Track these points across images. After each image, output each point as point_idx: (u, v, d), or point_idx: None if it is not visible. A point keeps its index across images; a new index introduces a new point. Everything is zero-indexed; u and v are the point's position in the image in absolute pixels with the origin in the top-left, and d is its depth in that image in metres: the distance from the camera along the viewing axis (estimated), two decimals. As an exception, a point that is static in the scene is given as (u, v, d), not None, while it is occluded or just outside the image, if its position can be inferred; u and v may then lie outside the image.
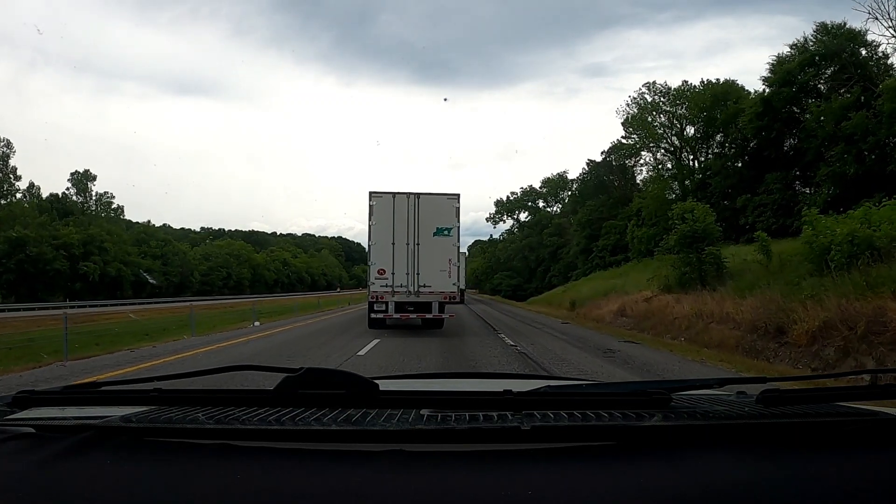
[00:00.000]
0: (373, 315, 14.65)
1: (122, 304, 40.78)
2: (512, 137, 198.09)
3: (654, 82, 40.80)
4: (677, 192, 37.08)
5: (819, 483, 0.71)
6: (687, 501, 0.67)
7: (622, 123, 42.15)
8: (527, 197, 68.66)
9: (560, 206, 64.72)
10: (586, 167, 51.05)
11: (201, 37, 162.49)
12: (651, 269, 22.04)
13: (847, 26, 26.04)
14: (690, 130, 39.34)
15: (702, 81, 38.35)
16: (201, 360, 10.05)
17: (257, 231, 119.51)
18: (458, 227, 14.61)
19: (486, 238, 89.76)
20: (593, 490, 0.68)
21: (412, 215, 14.43)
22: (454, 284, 14.62)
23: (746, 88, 34.96)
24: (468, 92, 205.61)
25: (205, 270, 70.77)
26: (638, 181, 45.05)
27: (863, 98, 23.17)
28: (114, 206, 66.28)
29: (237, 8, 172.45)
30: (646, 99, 40.75)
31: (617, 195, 44.62)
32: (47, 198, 58.59)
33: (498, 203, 70.01)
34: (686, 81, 39.38)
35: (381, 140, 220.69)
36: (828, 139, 23.57)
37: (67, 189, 62.19)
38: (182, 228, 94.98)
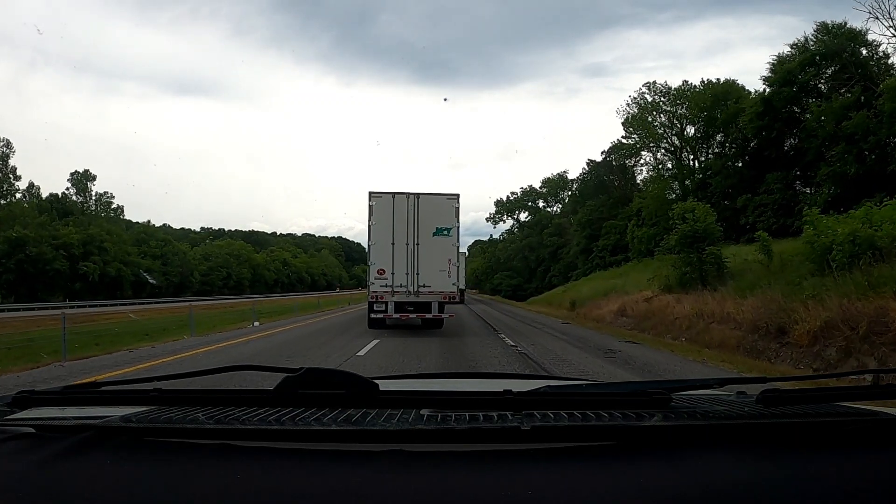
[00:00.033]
0: (372, 315, 14.66)
1: (121, 305, 40.78)
2: (512, 137, 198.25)
3: (655, 82, 40.86)
4: (677, 192, 37.08)
5: (819, 483, 0.71)
6: (687, 501, 0.67)
7: (622, 123, 42.22)
8: (527, 197, 68.69)
9: (560, 206, 64.77)
10: (586, 167, 51.14)
11: (201, 37, 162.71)
12: (651, 269, 22.04)
13: (848, 26, 26.08)
14: (691, 130, 39.38)
15: (702, 81, 38.41)
16: (201, 360, 10.05)
17: (257, 231, 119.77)
18: (458, 228, 14.64)
19: (486, 238, 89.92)
20: (593, 490, 0.68)
21: (412, 215, 14.44)
22: (454, 284, 14.63)
23: (747, 88, 35.03)
24: (468, 92, 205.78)
25: (205, 270, 70.78)
26: (638, 181, 45.13)
27: (863, 98, 23.16)
28: (114, 206, 66.40)
29: (237, 8, 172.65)
30: (646, 99, 40.80)
31: (617, 195, 44.62)
32: (47, 198, 58.62)
33: (498, 203, 70.11)
34: (686, 81, 39.45)
35: (381, 140, 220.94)
36: (828, 139, 23.57)
37: (67, 189, 62.32)
38: (182, 228, 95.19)
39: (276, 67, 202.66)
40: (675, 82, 40.70)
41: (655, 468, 0.72)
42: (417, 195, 14.60)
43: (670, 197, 35.68)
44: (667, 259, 19.87)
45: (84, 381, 2.85)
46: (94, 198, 64.48)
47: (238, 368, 1.10)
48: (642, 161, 43.98)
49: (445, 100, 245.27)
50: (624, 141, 43.55)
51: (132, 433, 0.80)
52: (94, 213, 62.41)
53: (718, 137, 36.49)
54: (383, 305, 14.45)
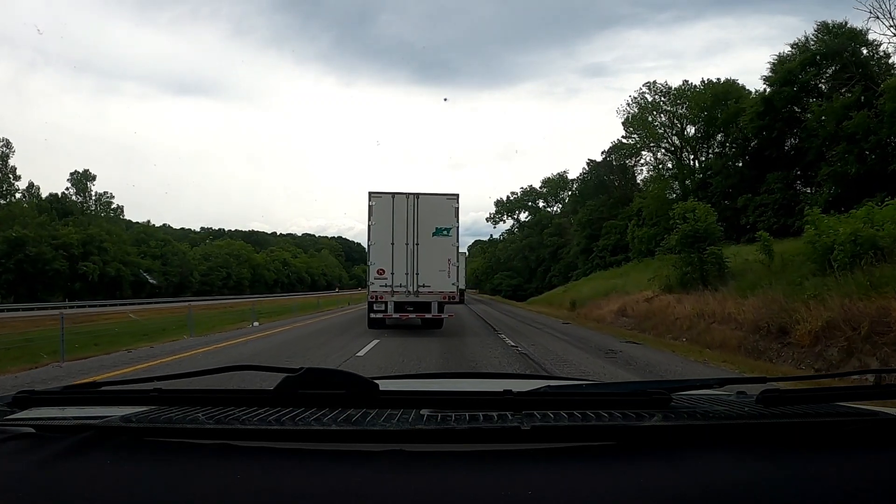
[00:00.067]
0: (372, 315, 14.68)
1: (121, 305, 40.77)
2: (512, 137, 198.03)
3: (655, 82, 40.85)
4: (678, 191, 37.07)
5: (819, 483, 0.71)
6: (687, 501, 0.67)
7: (622, 123, 42.23)
8: (527, 197, 68.69)
9: (560, 206, 64.77)
10: (586, 167, 51.14)
11: (201, 37, 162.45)
12: (652, 269, 22.04)
13: (848, 25, 26.10)
14: (691, 130, 39.38)
15: (702, 81, 38.40)
16: (200, 360, 10.05)
17: (257, 231, 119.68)
18: (458, 228, 14.67)
19: (486, 238, 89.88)
20: (593, 490, 0.68)
21: (411, 215, 14.45)
22: (453, 284, 14.65)
23: (747, 88, 35.04)
24: (468, 92, 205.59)
25: (204, 270, 70.79)
26: (638, 181, 45.14)
27: (864, 98, 23.15)
28: (113, 205, 66.34)
29: (237, 8, 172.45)
30: (646, 98, 40.81)
31: (617, 195, 44.61)
32: (47, 198, 58.60)
33: (498, 203, 70.09)
34: (686, 81, 39.44)
35: (381, 140, 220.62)
36: (829, 139, 23.56)
37: (67, 189, 62.26)
38: (182, 228, 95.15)
39: (276, 67, 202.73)
40: (675, 82, 40.72)
41: (655, 468, 0.72)
42: (417, 195, 14.61)
43: (671, 197, 35.67)
44: (667, 259, 19.87)
45: (84, 381, 2.86)
46: (93, 198, 64.51)
47: (238, 368, 1.10)
48: (642, 161, 44.07)
49: (445, 100, 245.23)
50: (624, 141, 43.61)
51: (132, 433, 0.80)
52: (93, 213, 62.39)
53: (719, 137, 36.49)
54: (383, 305, 14.46)
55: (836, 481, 0.71)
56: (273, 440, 0.77)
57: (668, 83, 40.16)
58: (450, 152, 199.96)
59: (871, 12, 24.59)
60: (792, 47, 28.38)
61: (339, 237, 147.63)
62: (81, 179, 62.98)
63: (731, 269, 17.34)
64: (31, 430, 0.83)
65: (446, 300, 14.74)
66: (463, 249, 28.75)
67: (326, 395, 0.86)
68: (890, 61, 25.40)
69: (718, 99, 35.82)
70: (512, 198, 69.34)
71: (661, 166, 41.76)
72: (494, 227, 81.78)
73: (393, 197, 14.53)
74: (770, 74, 28.44)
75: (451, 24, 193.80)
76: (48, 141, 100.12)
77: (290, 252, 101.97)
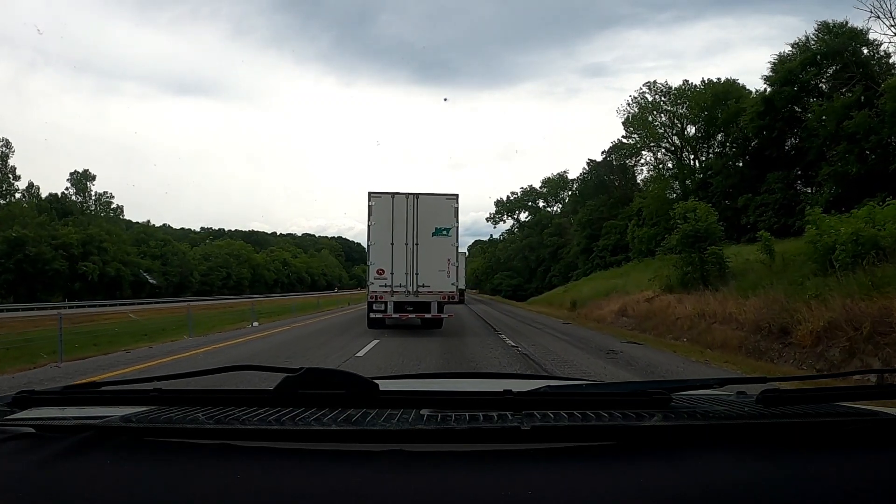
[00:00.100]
0: (372, 315, 14.70)
1: (121, 305, 40.78)
2: (512, 137, 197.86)
3: (655, 82, 40.85)
4: (678, 191, 37.08)
5: (819, 483, 0.71)
6: (687, 501, 0.67)
7: (623, 123, 42.23)
8: (527, 197, 68.68)
9: (560, 205, 64.76)
10: (587, 167, 51.14)
11: (201, 37, 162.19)
12: (652, 269, 22.02)
13: (849, 25, 26.07)
14: (691, 130, 39.37)
15: (702, 81, 38.38)
16: (199, 361, 10.04)
17: (257, 231, 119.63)
18: (457, 228, 14.69)
19: (486, 238, 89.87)
20: (593, 490, 0.68)
21: (411, 215, 14.46)
22: (453, 284, 14.66)
23: (747, 88, 35.04)
24: (468, 92, 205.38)
25: (204, 270, 70.80)
26: (638, 181, 45.13)
27: (864, 97, 23.14)
28: (113, 205, 66.36)
29: (237, 8, 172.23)
30: (646, 98, 40.80)
31: (617, 195, 44.61)
32: (46, 198, 58.60)
33: (498, 203, 70.07)
34: (687, 81, 39.43)
35: (381, 140, 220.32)
36: (830, 138, 23.54)
37: (67, 189, 62.29)
38: (182, 228, 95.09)
39: (276, 67, 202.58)
40: (675, 82, 40.59)
41: (655, 468, 0.72)
42: (417, 195, 14.62)
43: (671, 197, 35.66)
44: (668, 259, 19.85)
45: (84, 381, 2.86)
46: (93, 198, 64.51)
47: (238, 368, 1.10)
48: (643, 161, 44.06)
49: (445, 100, 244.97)
50: (624, 141, 43.60)
51: (132, 433, 0.80)
52: (93, 213, 62.39)
53: (719, 137, 36.48)
54: (382, 305, 14.48)
55: (836, 481, 0.71)
56: (273, 440, 0.77)
57: (669, 83, 40.22)
58: (450, 152, 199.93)
59: (871, 12, 24.61)
60: (792, 47, 28.40)
61: (339, 237, 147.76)
62: (81, 179, 63.01)
63: (732, 269, 17.33)
64: (31, 430, 0.83)
65: (446, 300, 14.76)
66: (463, 249, 28.78)
67: (326, 395, 0.86)
68: (890, 61, 25.41)
69: (719, 99, 35.81)
70: (512, 198, 69.40)
71: (661, 166, 41.81)
72: (494, 227, 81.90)
73: (392, 197, 14.54)
74: (770, 74, 28.45)
75: (451, 24, 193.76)
76: (48, 141, 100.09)
77: (290, 252, 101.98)
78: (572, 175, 60.97)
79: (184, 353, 10.92)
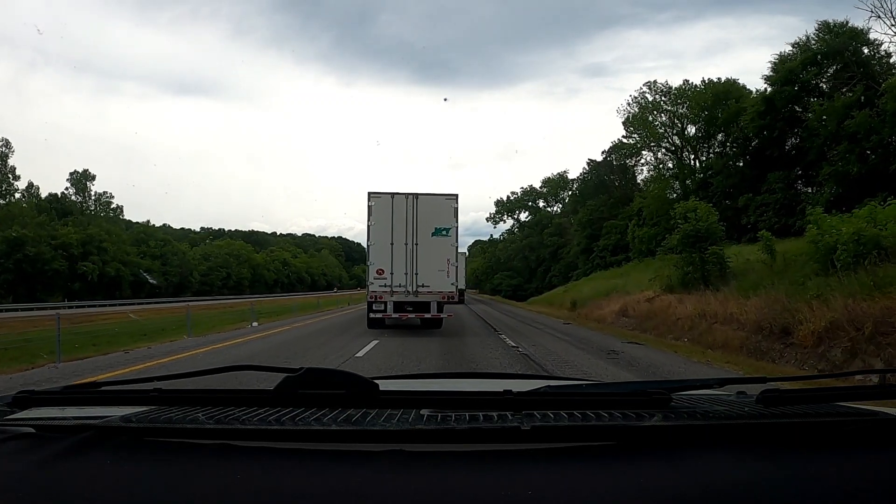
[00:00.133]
0: (372, 315, 14.71)
1: (120, 305, 40.79)
2: (512, 137, 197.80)
3: (655, 81, 40.82)
4: (678, 191, 37.07)
5: (819, 483, 0.71)
6: (687, 501, 0.67)
7: (623, 123, 42.21)
8: (527, 197, 68.67)
9: (560, 205, 64.75)
10: (587, 167, 51.12)
11: (201, 37, 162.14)
12: (653, 269, 22.02)
13: (849, 25, 26.07)
14: (691, 130, 39.34)
15: (703, 81, 38.36)
16: (199, 361, 10.03)
17: (257, 231, 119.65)
18: (457, 228, 14.71)
19: (486, 238, 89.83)
20: (593, 490, 0.68)
21: (411, 215, 14.47)
22: (452, 284, 14.67)
23: (748, 88, 35.02)
24: (468, 92, 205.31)
25: (204, 270, 70.81)
26: (639, 181, 45.10)
27: (863, 98, 23.13)
28: (113, 205, 66.30)
29: (237, 8, 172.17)
30: (647, 98, 40.78)
31: (618, 195, 44.59)
32: (46, 197, 58.56)
33: (498, 203, 70.07)
34: (687, 81, 39.40)
35: (381, 140, 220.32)
36: (830, 138, 23.53)
37: (66, 189, 62.25)
38: (182, 228, 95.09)
39: (276, 67, 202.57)
40: (675, 82, 40.55)
41: (655, 468, 0.72)
42: (416, 195, 14.62)
43: (671, 197, 35.65)
44: (668, 259, 19.84)
45: (84, 381, 2.86)
46: (93, 198, 64.45)
47: (238, 368, 1.10)
48: (643, 161, 44.01)
49: (445, 100, 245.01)
50: (624, 140, 43.58)
51: (132, 433, 0.80)
52: (93, 213, 62.36)
53: (719, 137, 36.46)
54: (382, 305, 14.49)
55: (836, 481, 0.71)
56: (273, 440, 0.77)
57: (669, 83, 40.19)
58: (450, 152, 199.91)
59: (872, 11, 24.58)
60: (793, 47, 28.38)
61: (339, 237, 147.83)
62: (81, 179, 62.99)
63: (733, 269, 17.31)
64: (31, 430, 0.83)
65: (445, 300, 14.77)
66: (463, 249, 28.77)
67: (326, 395, 0.86)
68: (891, 61, 25.38)
69: (719, 98, 35.80)
70: (512, 198, 69.40)
71: (661, 166, 41.77)
72: (494, 227, 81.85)
73: (392, 197, 14.54)
74: (771, 74, 28.42)
75: (451, 24, 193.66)
76: (48, 141, 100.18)
77: (290, 252, 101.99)
78: (572, 175, 61.05)
79: (183, 354, 10.91)
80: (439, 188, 49.37)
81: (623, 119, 41.94)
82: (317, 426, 0.78)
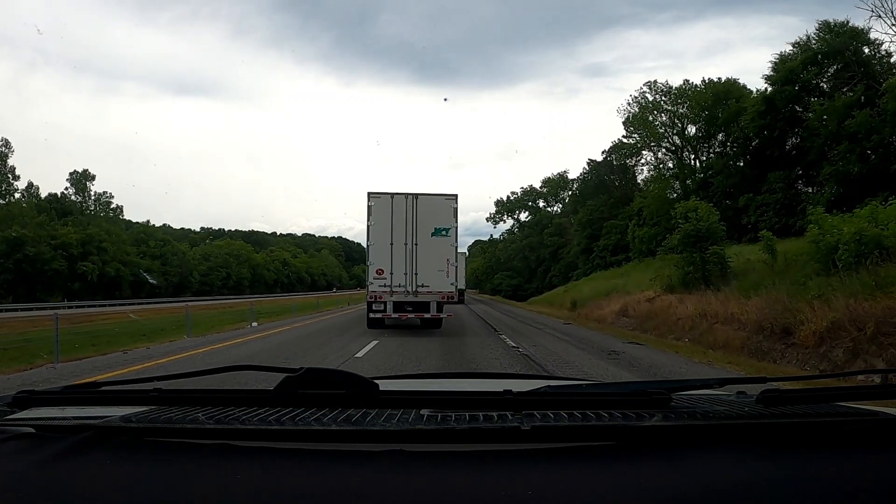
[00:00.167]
0: (371, 315, 14.72)
1: (120, 305, 40.78)
2: (512, 137, 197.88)
3: (655, 81, 40.81)
4: (679, 191, 37.07)
5: (819, 483, 0.71)
6: (687, 501, 0.67)
7: (623, 123, 42.20)
8: (527, 197, 68.68)
9: (560, 205, 64.75)
10: (587, 167, 51.13)
11: (201, 37, 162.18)
12: (653, 269, 22.00)
13: (850, 24, 26.06)
14: (692, 129, 39.33)
15: (703, 80, 38.35)
16: (198, 361, 10.02)
17: (257, 231, 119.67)
18: (456, 228, 14.72)
19: (486, 238, 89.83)
20: (593, 490, 0.68)
21: (410, 215, 14.47)
22: (452, 284, 14.68)
23: (748, 87, 35.01)
24: (468, 92, 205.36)
25: (204, 270, 70.80)
26: (639, 181, 45.09)
27: (863, 98, 23.12)
28: (113, 205, 66.27)
29: (237, 8, 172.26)
30: (647, 98, 40.77)
31: (618, 195, 44.59)
32: (46, 197, 58.53)
33: (498, 203, 70.07)
34: (687, 80, 39.38)
35: (381, 140, 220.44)
36: (831, 138, 23.52)
37: (66, 189, 62.22)
38: (182, 228, 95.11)
39: (276, 67, 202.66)
40: (675, 82, 40.54)
41: (655, 468, 0.72)
42: (416, 195, 14.62)
43: (671, 196, 35.65)
44: (669, 259, 19.82)
45: (83, 381, 2.86)
46: (93, 198, 64.41)
47: (238, 368, 1.10)
48: (643, 161, 43.99)
49: (445, 100, 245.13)
50: (625, 140, 43.57)
51: (132, 433, 0.80)
52: (93, 212, 62.33)
53: (720, 137, 36.45)
54: (382, 305, 14.49)
55: (836, 481, 0.71)
56: (273, 440, 0.77)
57: (669, 83, 40.18)
58: (450, 152, 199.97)
59: (872, 11, 24.58)
60: (793, 46, 28.36)
61: (339, 237, 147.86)
62: (81, 179, 62.96)
63: (734, 268, 17.29)
64: (31, 430, 0.83)
65: (445, 300, 14.77)
66: (463, 249, 28.77)
67: (326, 395, 0.86)
68: (892, 60, 25.35)
69: (719, 98, 35.79)
70: (512, 198, 69.40)
71: (661, 166, 41.76)
72: (494, 227, 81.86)
73: (392, 197, 14.54)
74: (771, 73, 28.41)
75: (451, 24, 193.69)
76: (48, 141, 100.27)
77: (289, 252, 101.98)
78: (572, 175, 61.06)
79: (182, 354, 10.89)
80: (439, 188, 49.52)
81: (623, 119, 42.00)
82: (317, 426, 0.78)
